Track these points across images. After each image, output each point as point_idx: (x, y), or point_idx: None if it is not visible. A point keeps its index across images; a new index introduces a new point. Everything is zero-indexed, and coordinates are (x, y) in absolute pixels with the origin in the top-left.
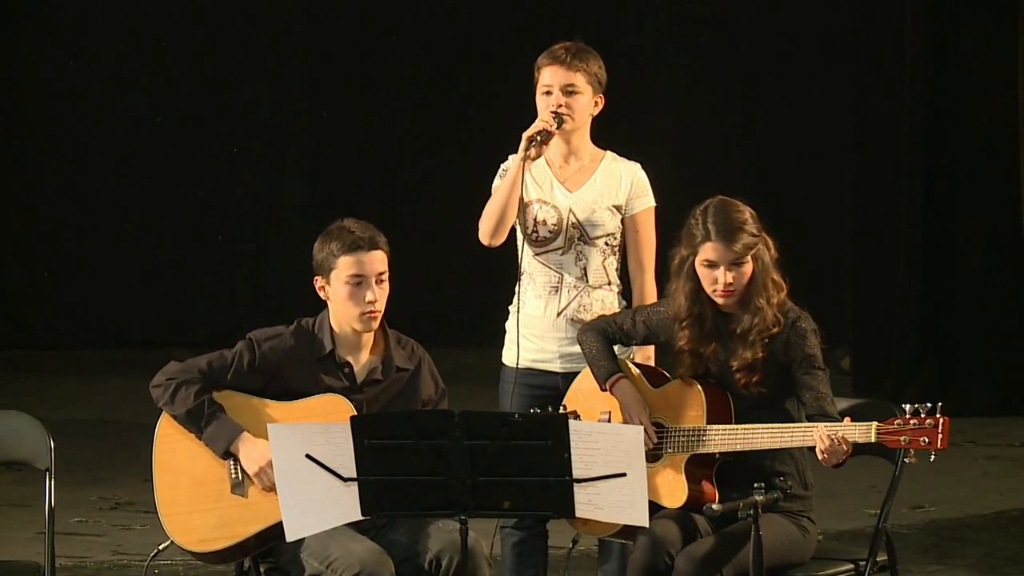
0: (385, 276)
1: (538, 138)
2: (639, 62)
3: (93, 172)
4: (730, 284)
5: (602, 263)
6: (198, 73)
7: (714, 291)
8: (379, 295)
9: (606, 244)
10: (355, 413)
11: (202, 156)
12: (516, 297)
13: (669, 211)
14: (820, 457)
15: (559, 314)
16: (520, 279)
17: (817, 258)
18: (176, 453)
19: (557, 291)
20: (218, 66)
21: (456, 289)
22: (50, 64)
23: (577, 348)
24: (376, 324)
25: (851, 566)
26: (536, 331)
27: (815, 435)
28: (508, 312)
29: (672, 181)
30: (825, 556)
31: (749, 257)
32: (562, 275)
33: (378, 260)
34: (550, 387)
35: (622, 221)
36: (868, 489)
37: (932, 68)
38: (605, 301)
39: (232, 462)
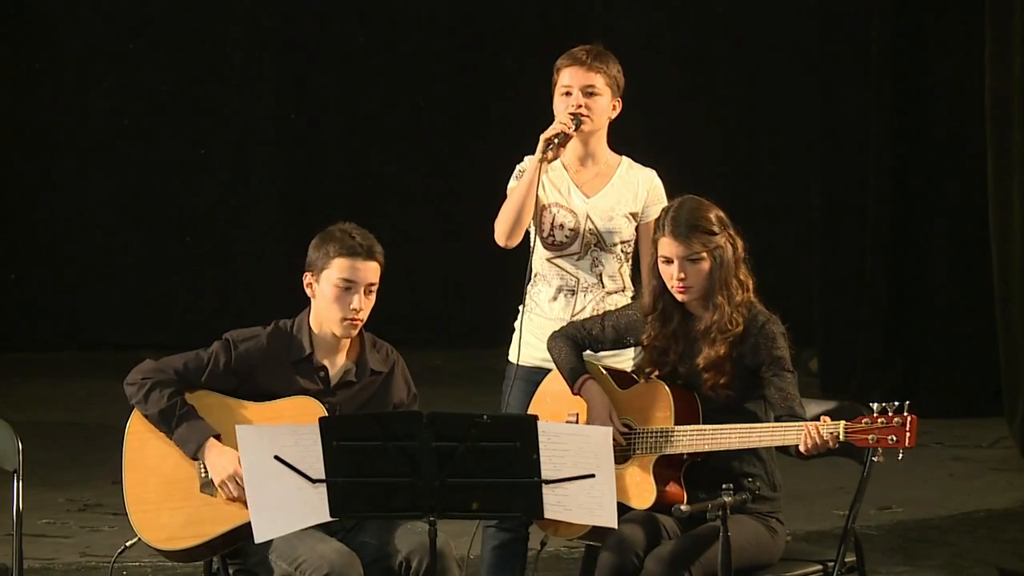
0: (375, 288)
1: (555, 140)
2: None
3: (60, 174)
4: (683, 279)
5: (618, 270)
6: (165, 74)
7: (672, 287)
8: (365, 305)
9: (622, 251)
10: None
11: (169, 157)
12: (529, 298)
13: None
14: (802, 447)
15: (573, 317)
16: (532, 280)
17: (784, 259)
18: (146, 451)
19: (574, 294)
20: (185, 67)
21: (424, 290)
22: (16, 66)
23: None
24: (355, 332)
25: (819, 567)
26: (548, 331)
27: (804, 431)
28: (518, 312)
29: None
30: (793, 557)
31: (706, 254)
32: (578, 279)
33: (372, 271)
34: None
35: (636, 228)
36: (836, 490)
37: (899, 68)
38: (618, 304)
39: (201, 462)
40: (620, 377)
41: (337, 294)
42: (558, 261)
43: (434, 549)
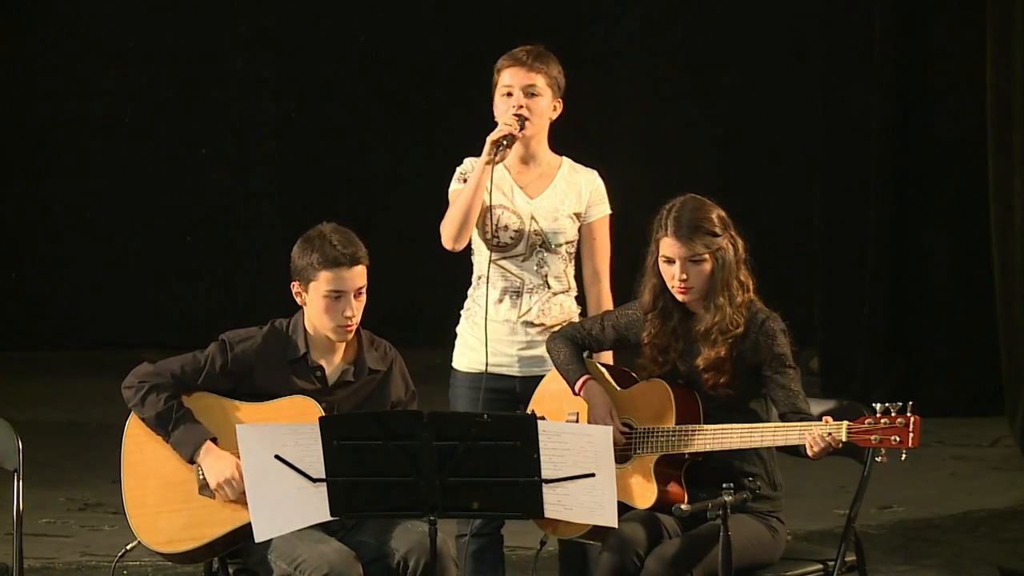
0: (363, 289)
1: (504, 142)
2: (606, 62)
3: (61, 173)
4: (685, 280)
5: (563, 270)
6: (166, 73)
7: (673, 287)
8: (356, 309)
9: (567, 252)
10: (323, 415)
11: (170, 157)
12: (471, 301)
13: (637, 212)
14: (810, 452)
15: (519, 319)
16: (476, 283)
17: (785, 259)
18: (144, 454)
19: (519, 296)
20: (186, 66)
21: (424, 290)
22: (18, 65)
23: (535, 351)
24: (351, 335)
25: (820, 566)
26: (495, 335)
27: (808, 435)
28: (459, 317)
29: (640, 182)
30: (794, 556)
31: (708, 255)
32: (523, 280)
33: (358, 275)
34: (508, 391)
35: (579, 228)
36: (837, 489)
37: (900, 68)
38: (564, 305)
39: (198, 465)
40: (620, 376)
41: (327, 305)
42: (503, 263)
43: (434, 548)
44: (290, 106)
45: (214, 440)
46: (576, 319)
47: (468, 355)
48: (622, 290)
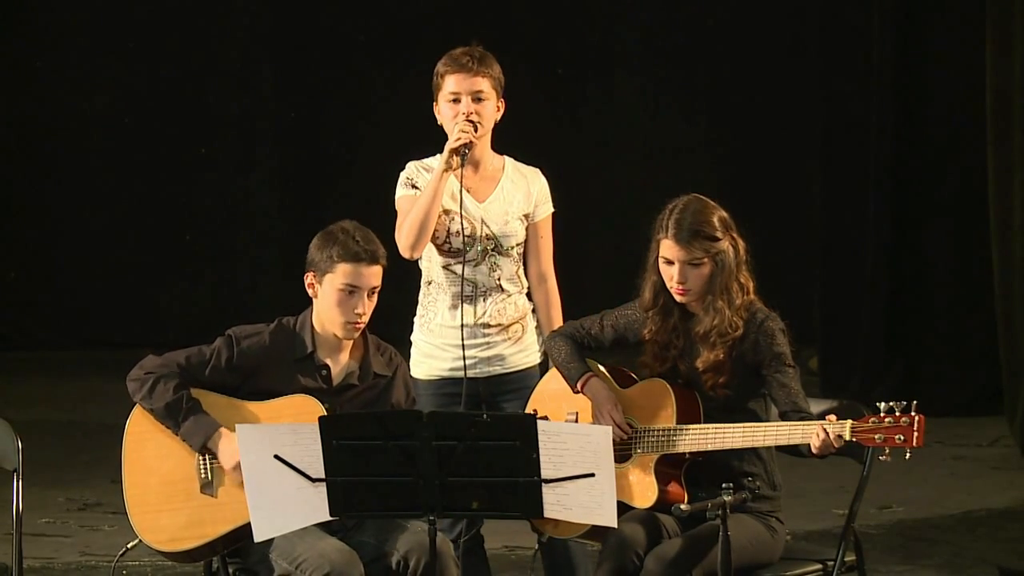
0: (377, 291)
1: (465, 151)
2: (608, 64)
3: (61, 172)
4: (682, 283)
5: (516, 272)
6: (166, 74)
7: (671, 287)
8: (368, 308)
9: (517, 253)
10: (325, 414)
11: (169, 157)
12: (424, 308)
13: (638, 212)
14: (814, 449)
15: (476, 322)
16: (427, 289)
17: (785, 258)
18: (145, 452)
19: (472, 300)
20: (186, 67)
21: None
22: (17, 65)
23: (494, 351)
24: (357, 334)
25: (819, 566)
26: (453, 340)
27: (813, 432)
28: (413, 324)
29: (640, 182)
30: (793, 556)
31: (707, 259)
32: (476, 284)
33: (375, 275)
34: (472, 394)
35: (526, 228)
36: (836, 489)
37: (900, 70)
38: (518, 303)
39: (202, 461)
40: (620, 376)
41: (340, 299)
42: (456, 268)
43: (434, 548)
44: (290, 106)
45: None
46: (530, 315)
47: (426, 363)
48: (622, 289)
